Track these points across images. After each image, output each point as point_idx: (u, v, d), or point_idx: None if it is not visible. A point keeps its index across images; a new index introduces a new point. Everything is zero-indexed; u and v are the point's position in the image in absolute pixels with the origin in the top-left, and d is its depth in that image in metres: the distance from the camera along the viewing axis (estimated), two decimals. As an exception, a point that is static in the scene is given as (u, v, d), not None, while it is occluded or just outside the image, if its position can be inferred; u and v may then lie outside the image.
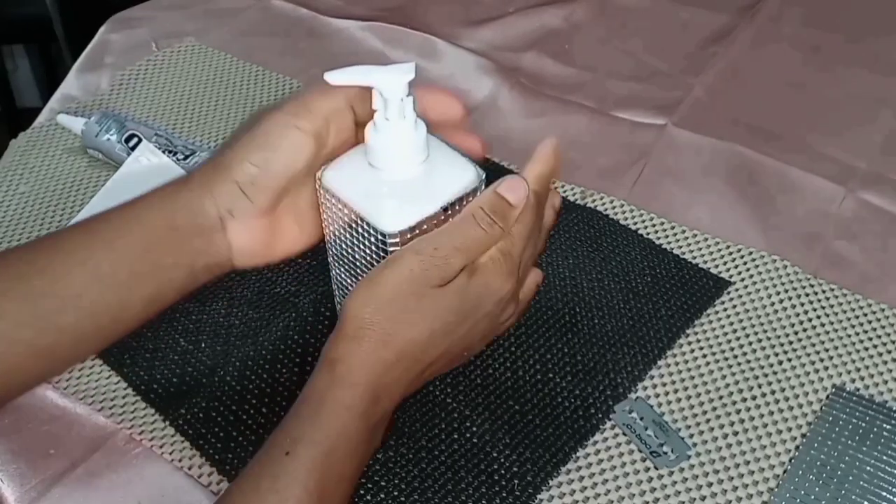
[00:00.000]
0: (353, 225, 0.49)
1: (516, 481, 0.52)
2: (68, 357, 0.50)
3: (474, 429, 0.54)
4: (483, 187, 0.49)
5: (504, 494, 0.51)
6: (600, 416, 0.55)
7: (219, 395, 0.56)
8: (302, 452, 0.43)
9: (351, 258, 0.51)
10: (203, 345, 0.59)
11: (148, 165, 0.71)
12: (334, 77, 0.47)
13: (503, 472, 0.52)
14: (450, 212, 0.49)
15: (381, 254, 0.48)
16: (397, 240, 0.47)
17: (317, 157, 0.50)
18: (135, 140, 0.73)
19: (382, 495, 0.51)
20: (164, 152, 0.73)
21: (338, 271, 0.54)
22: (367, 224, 0.48)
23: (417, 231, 0.47)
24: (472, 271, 0.47)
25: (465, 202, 0.49)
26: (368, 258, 0.49)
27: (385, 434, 0.48)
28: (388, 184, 0.49)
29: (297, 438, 0.43)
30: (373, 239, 0.48)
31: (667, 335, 0.60)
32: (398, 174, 0.49)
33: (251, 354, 0.58)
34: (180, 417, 0.55)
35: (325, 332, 0.57)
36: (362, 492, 0.51)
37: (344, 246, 0.51)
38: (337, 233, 0.51)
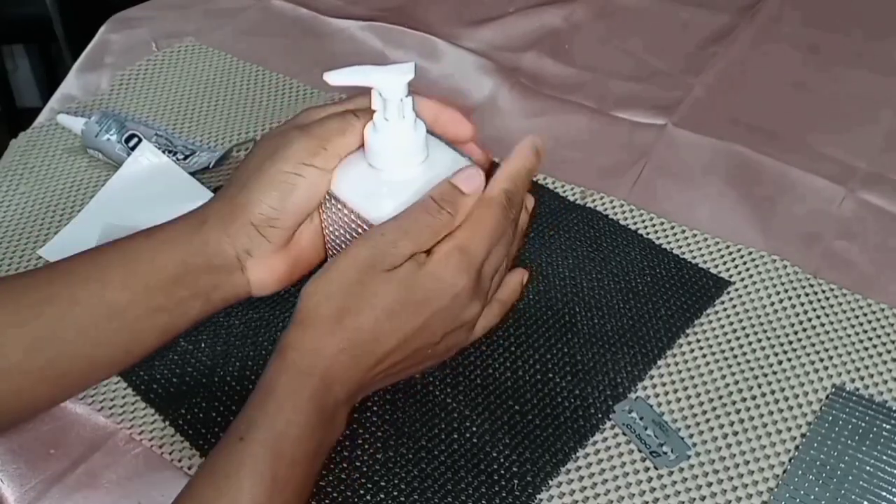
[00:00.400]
0: (354, 225, 0.49)
1: (516, 481, 0.52)
2: (79, 383, 0.51)
3: (474, 429, 0.54)
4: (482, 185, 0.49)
5: (504, 494, 0.51)
6: (600, 416, 0.55)
7: (219, 395, 0.56)
8: (254, 437, 0.43)
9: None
10: (203, 345, 0.59)
11: (148, 166, 0.71)
12: (333, 77, 0.47)
13: (503, 472, 0.52)
14: None
15: None
16: None
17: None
18: (135, 140, 0.73)
19: (382, 495, 0.51)
20: (164, 152, 0.73)
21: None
22: (368, 225, 0.48)
23: None
24: (423, 262, 0.46)
25: None
26: None
27: (347, 422, 0.48)
28: (387, 184, 0.49)
29: (250, 424, 0.44)
30: None
31: (666, 335, 0.60)
32: (398, 174, 0.49)
33: (251, 354, 0.58)
34: (180, 417, 0.55)
35: None
36: (362, 492, 0.51)
37: (344, 246, 0.51)
38: (337, 233, 0.51)
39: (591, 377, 0.57)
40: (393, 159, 0.48)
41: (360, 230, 0.49)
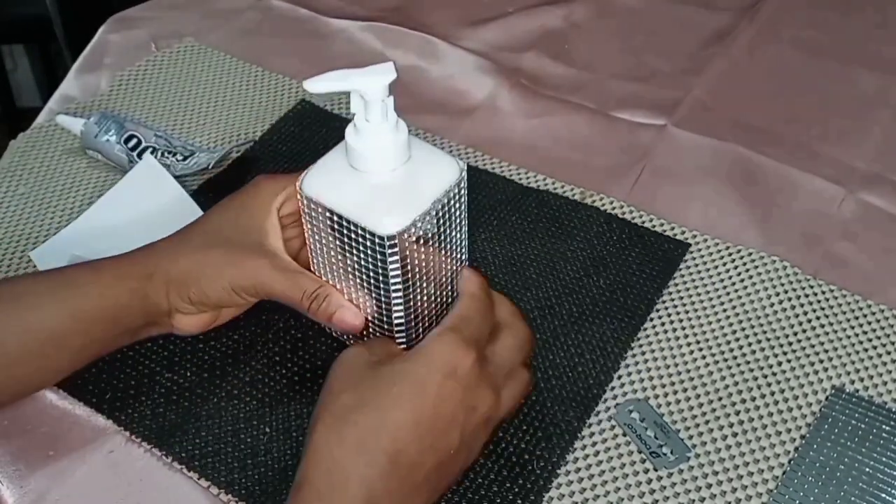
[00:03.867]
0: (345, 231, 0.48)
1: (535, 461, 0.53)
2: (9, 398, 0.55)
3: None
4: (465, 179, 0.49)
5: (525, 474, 0.52)
6: (599, 385, 0.57)
7: (209, 422, 0.55)
8: None
9: (342, 264, 0.51)
10: (188, 373, 0.58)
11: (149, 180, 0.71)
12: (314, 86, 0.47)
13: (518, 457, 0.53)
14: (440, 207, 0.48)
15: (381, 257, 0.48)
16: (395, 241, 0.47)
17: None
18: (134, 141, 0.73)
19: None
20: (163, 153, 0.73)
21: (327, 278, 0.53)
22: (362, 229, 0.47)
23: (413, 230, 0.47)
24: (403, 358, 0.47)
25: (451, 195, 0.49)
26: (365, 263, 0.49)
27: None
28: (375, 187, 0.48)
29: None
30: (369, 244, 0.47)
31: (644, 301, 0.62)
32: (384, 176, 0.48)
33: (240, 377, 0.58)
34: (176, 446, 0.54)
35: (311, 343, 0.59)
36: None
37: (333, 253, 0.51)
38: (324, 241, 0.50)
39: (582, 349, 0.59)
40: (378, 161, 0.48)
41: (353, 235, 0.48)
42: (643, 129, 0.78)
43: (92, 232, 0.68)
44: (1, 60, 1.76)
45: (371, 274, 0.49)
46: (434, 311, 0.53)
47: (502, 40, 0.89)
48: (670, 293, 0.63)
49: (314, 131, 0.77)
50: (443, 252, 0.50)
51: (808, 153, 0.74)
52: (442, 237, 0.50)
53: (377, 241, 0.47)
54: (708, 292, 0.63)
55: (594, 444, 0.54)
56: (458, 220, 0.50)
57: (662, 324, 0.61)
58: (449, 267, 0.52)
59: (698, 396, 0.56)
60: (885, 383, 0.57)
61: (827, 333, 0.60)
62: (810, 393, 0.56)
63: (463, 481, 0.52)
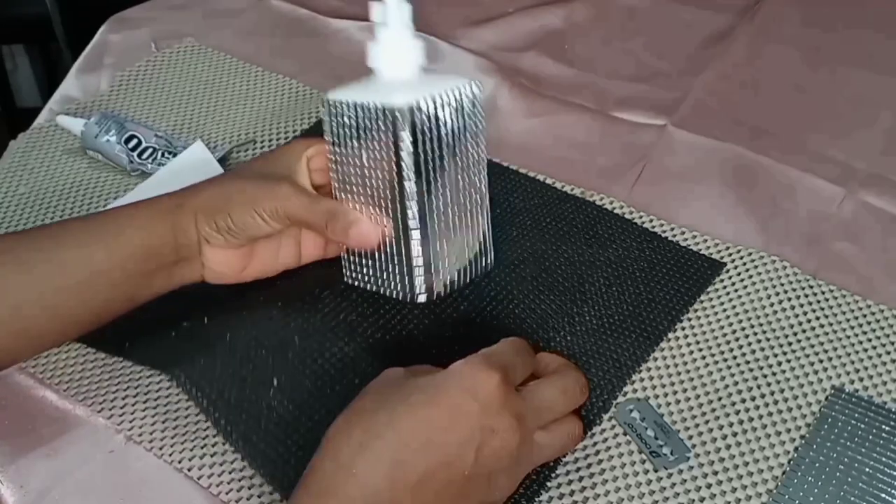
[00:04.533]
0: (364, 125, 0.51)
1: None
2: (50, 341, 0.56)
3: None
4: (479, 97, 0.53)
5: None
6: (606, 396, 0.56)
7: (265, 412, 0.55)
8: None
9: (361, 181, 0.53)
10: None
11: (196, 165, 0.72)
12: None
13: None
14: (454, 103, 0.51)
15: (395, 139, 0.50)
16: (409, 117, 0.49)
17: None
18: (134, 141, 0.73)
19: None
20: (163, 153, 0.73)
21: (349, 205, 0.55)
22: (379, 111, 0.50)
23: (426, 111, 0.50)
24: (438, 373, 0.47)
25: (464, 99, 0.52)
26: (382, 161, 0.51)
27: None
28: (392, 81, 0.53)
29: None
30: (383, 127, 0.50)
31: (666, 318, 0.61)
32: (401, 75, 0.52)
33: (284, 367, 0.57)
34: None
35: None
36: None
37: (353, 171, 0.53)
38: (345, 157, 0.53)
39: (596, 361, 0.58)
40: (394, 59, 0.52)
41: (369, 122, 0.51)
42: (643, 129, 0.78)
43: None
44: (1, 60, 1.76)
45: (388, 176, 0.51)
46: (450, 227, 0.53)
47: (502, 40, 0.89)
48: (670, 293, 0.63)
49: None
50: (458, 167, 0.52)
51: (808, 153, 0.74)
52: (456, 146, 0.52)
53: (392, 118, 0.49)
54: (708, 292, 0.63)
55: (594, 443, 0.54)
56: (473, 138, 0.53)
57: (662, 324, 0.61)
58: (466, 187, 0.53)
59: (698, 396, 0.56)
60: (885, 383, 0.57)
61: (827, 333, 0.60)
62: (810, 393, 0.56)
63: None
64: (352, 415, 0.46)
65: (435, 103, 0.51)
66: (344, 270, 0.58)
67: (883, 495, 0.51)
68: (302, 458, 0.48)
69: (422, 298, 0.53)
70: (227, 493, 0.52)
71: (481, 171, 0.54)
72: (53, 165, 0.76)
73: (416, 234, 0.52)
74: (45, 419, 0.56)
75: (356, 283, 0.57)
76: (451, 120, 0.51)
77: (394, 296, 0.55)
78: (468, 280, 0.55)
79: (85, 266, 0.53)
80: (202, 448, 0.54)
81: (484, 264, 0.56)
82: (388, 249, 0.54)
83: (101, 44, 0.91)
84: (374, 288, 0.56)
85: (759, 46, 0.87)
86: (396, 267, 0.54)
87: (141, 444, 0.55)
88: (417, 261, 0.52)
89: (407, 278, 0.53)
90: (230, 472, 0.53)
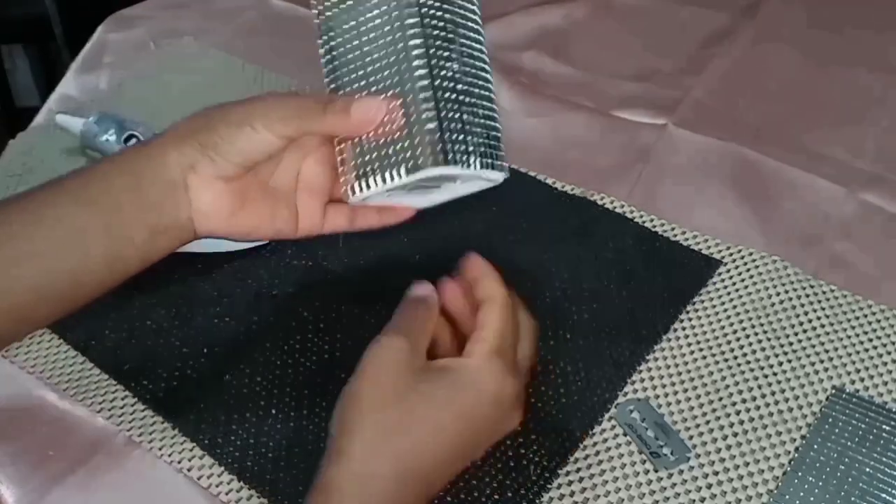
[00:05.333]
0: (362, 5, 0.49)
1: (532, 467, 0.52)
2: (23, 321, 0.49)
3: None
4: None
5: (520, 481, 0.52)
6: (608, 395, 0.56)
7: (225, 398, 0.56)
8: None
9: (363, 64, 0.50)
10: (205, 349, 0.59)
11: None
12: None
13: (517, 461, 0.53)
14: None
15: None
16: None
17: (281, 151, 0.50)
18: (133, 140, 0.73)
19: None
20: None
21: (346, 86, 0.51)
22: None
23: None
24: (459, 371, 0.47)
25: None
26: (385, 32, 0.49)
27: None
28: None
29: None
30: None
31: (664, 317, 0.61)
32: None
33: (256, 357, 0.59)
34: (189, 423, 0.55)
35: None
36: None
37: (358, 52, 0.50)
38: (343, 30, 0.51)
39: (596, 361, 0.58)
40: None
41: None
42: (643, 128, 0.78)
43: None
44: (0, 60, 1.76)
45: (392, 47, 0.48)
46: (460, 98, 0.50)
47: (502, 39, 0.89)
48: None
49: None
50: (462, 38, 0.50)
51: (809, 153, 0.74)
52: (458, 12, 0.50)
53: None
54: (708, 292, 0.63)
55: (594, 443, 0.54)
56: (472, 14, 0.51)
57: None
58: (472, 61, 0.51)
59: (699, 397, 0.56)
60: (885, 383, 0.57)
61: (827, 333, 0.60)
62: (810, 393, 0.56)
63: (457, 482, 0.51)
64: (361, 406, 0.45)
65: None
66: (343, 187, 0.51)
67: (883, 495, 0.50)
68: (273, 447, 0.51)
69: (434, 170, 0.48)
70: (226, 494, 0.52)
71: (483, 51, 0.51)
72: (53, 165, 0.75)
73: (426, 94, 0.48)
74: (46, 420, 0.56)
75: (360, 189, 0.50)
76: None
77: (403, 173, 0.48)
78: (480, 166, 0.50)
79: (69, 222, 0.49)
80: (202, 448, 0.54)
81: (499, 161, 0.53)
82: (395, 125, 0.49)
83: (100, 43, 0.91)
84: (381, 177, 0.50)
85: (759, 46, 0.87)
86: (406, 140, 0.48)
87: (141, 444, 0.55)
88: (429, 125, 0.48)
89: (419, 144, 0.48)
90: (230, 473, 0.53)
